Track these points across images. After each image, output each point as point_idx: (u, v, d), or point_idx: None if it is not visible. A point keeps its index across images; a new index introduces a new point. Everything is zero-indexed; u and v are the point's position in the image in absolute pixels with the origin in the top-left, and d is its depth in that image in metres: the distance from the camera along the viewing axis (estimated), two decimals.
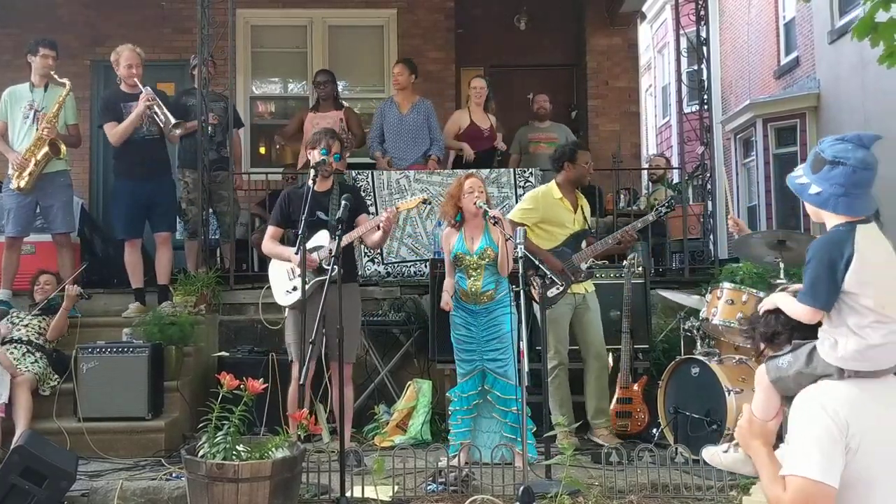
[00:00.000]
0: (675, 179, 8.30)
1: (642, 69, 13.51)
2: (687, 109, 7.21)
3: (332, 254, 4.06)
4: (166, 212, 5.98)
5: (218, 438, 3.42)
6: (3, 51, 8.22)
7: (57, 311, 5.23)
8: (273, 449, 3.48)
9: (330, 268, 3.98)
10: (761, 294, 4.32)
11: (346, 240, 4.20)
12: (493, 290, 4.50)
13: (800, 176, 2.20)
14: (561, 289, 4.75)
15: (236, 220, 6.80)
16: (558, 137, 7.28)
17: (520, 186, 6.29)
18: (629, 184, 8.15)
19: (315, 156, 4.54)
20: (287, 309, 4.61)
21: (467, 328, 4.55)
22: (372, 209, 5.89)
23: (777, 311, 2.38)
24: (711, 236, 6.77)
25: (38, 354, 5.09)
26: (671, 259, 7.48)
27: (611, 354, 5.17)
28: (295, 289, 4.50)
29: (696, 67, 7.12)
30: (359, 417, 5.42)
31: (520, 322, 4.12)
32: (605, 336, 5.05)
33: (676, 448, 4.34)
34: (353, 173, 6.37)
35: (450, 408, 4.68)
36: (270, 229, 4.69)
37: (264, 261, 4.81)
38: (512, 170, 6.56)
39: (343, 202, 4.20)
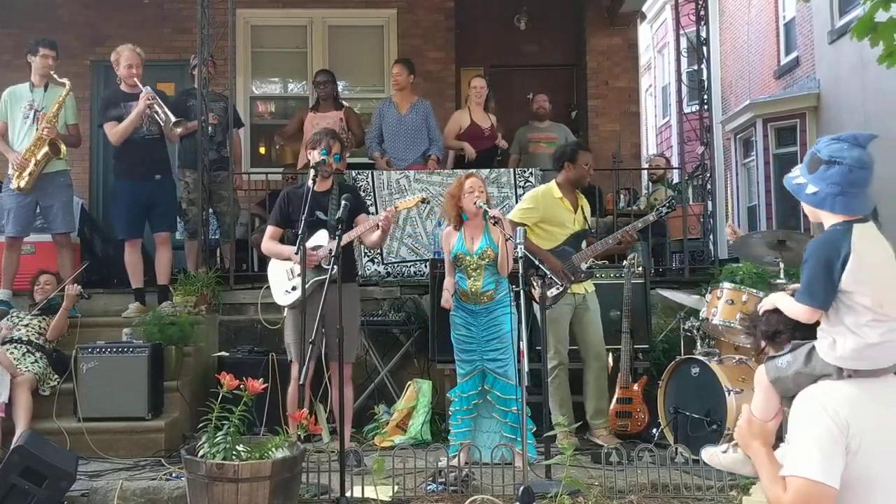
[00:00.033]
0: (675, 179, 8.30)
1: (642, 69, 13.51)
2: (687, 109, 7.21)
3: (332, 253, 4.06)
4: (166, 212, 5.98)
5: (218, 438, 3.42)
6: (3, 51, 8.22)
7: (57, 311, 5.23)
8: (273, 449, 3.48)
9: (330, 268, 3.98)
10: (761, 294, 4.32)
11: (345, 239, 4.20)
12: (493, 291, 4.50)
13: (797, 176, 2.21)
14: (561, 289, 4.75)
15: (236, 220, 6.80)
16: (558, 137, 7.28)
17: (520, 186, 6.29)
18: (629, 184, 8.15)
19: (315, 156, 4.54)
20: (286, 309, 4.61)
21: (467, 328, 4.55)
22: (372, 209, 5.89)
23: (778, 311, 2.38)
24: (711, 236, 6.77)
25: (38, 354, 5.09)
26: (671, 259, 7.48)
27: (611, 354, 5.17)
28: (294, 288, 4.50)
29: (696, 67, 7.12)
30: (359, 417, 5.42)
31: (520, 322, 4.12)
32: (605, 336, 5.05)
33: (676, 448, 4.34)
34: (353, 173, 6.38)
35: (450, 408, 4.68)
36: (270, 229, 4.70)
37: (264, 261, 4.82)
38: (512, 170, 6.57)
39: (343, 202, 4.21)
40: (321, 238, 4.48)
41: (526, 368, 4.12)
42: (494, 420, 4.57)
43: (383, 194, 6.27)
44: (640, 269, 5.42)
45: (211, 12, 6.42)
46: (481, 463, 4.26)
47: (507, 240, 4.35)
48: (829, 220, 2.16)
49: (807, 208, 2.22)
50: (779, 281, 4.41)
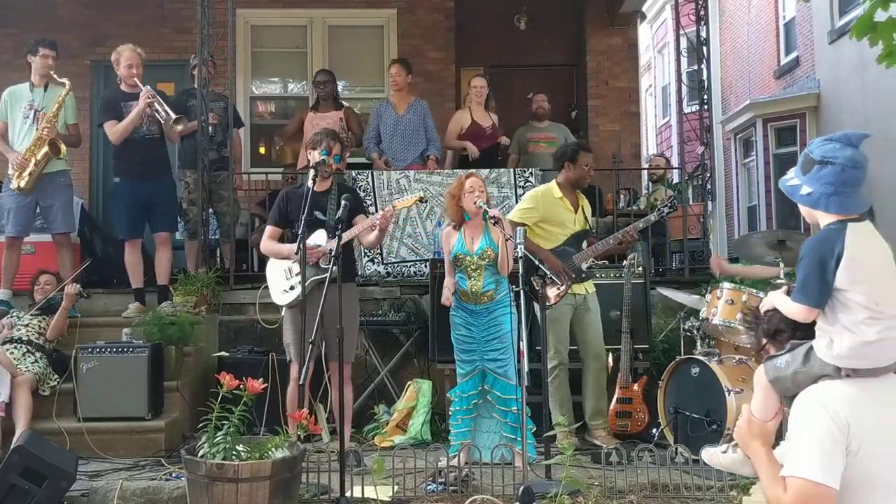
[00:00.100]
0: (675, 179, 8.30)
1: (642, 69, 13.51)
2: (687, 109, 7.21)
3: (332, 253, 4.06)
4: (166, 212, 5.98)
5: (218, 438, 3.42)
6: (3, 51, 8.23)
7: (57, 311, 5.23)
8: (273, 449, 3.48)
9: (329, 267, 3.98)
10: (761, 294, 4.32)
11: (344, 238, 4.20)
12: (494, 291, 4.51)
13: (791, 178, 2.22)
14: (562, 289, 4.75)
15: (236, 220, 6.81)
16: (557, 137, 7.29)
17: (520, 186, 6.29)
18: (629, 184, 8.15)
19: (315, 156, 4.54)
20: (284, 308, 4.61)
21: (467, 328, 4.55)
22: (372, 209, 5.90)
23: (777, 310, 2.38)
24: (711, 236, 6.77)
25: (38, 354, 5.09)
26: (671, 259, 7.48)
27: (610, 354, 5.17)
28: (292, 288, 4.51)
29: (696, 67, 7.12)
30: (359, 417, 5.43)
31: (520, 322, 4.12)
32: (605, 336, 5.05)
33: (676, 448, 4.34)
34: (353, 173, 6.38)
35: (450, 408, 4.68)
36: (269, 229, 4.70)
37: (264, 261, 4.82)
38: (512, 170, 6.57)
39: (343, 202, 4.21)
40: (320, 238, 4.48)
41: (526, 368, 4.12)
42: (494, 420, 4.57)
43: (383, 194, 6.27)
44: (640, 269, 5.42)
45: (211, 12, 6.42)
46: (481, 463, 4.26)
47: (507, 240, 4.35)
48: (824, 220, 2.17)
49: (803, 209, 2.23)
50: (779, 281, 4.41)
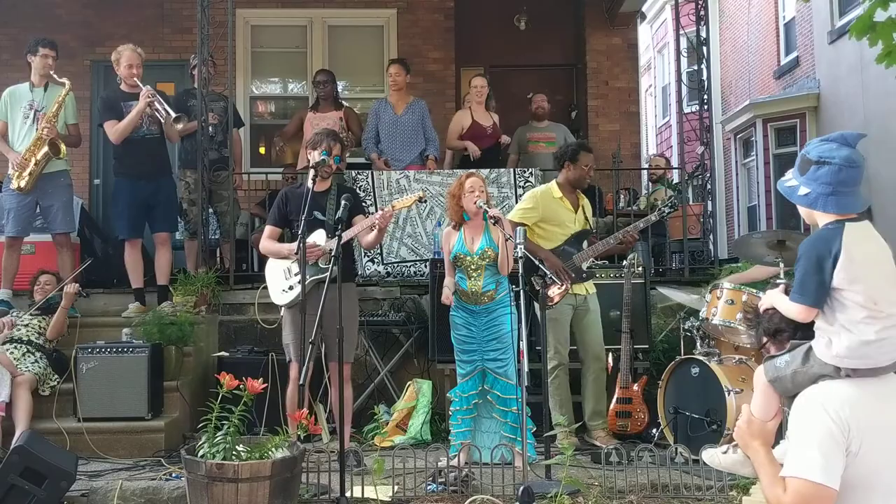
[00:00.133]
0: (675, 179, 8.30)
1: (642, 69, 13.51)
2: (687, 109, 7.21)
3: (332, 253, 4.06)
4: (166, 212, 5.97)
5: (218, 438, 3.42)
6: (3, 51, 8.23)
7: (56, 311, 5.23)
8: (273, 449, 3.47)
9: (329, 267, 3.98)
10: (761, 294, 4.31)
11: (343, 238, 4.20)
12: (494, 291, 4.50)
13: (789, 179, 2.24)
14: (562, 289, 4.75)
15: (236, 220, 6.81)
16: (557, 137, 7.29)
17: (520, 186, 6.29)
18: (629, 184, 8.15)
19: (315, 156, 4.54)
20: (283, 308, 4.61)
21: (467, 328, 4.55)
22: (372, 209, 5.90)
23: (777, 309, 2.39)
24: (711, 236, 6.78)
25: (38, 354, 5.09)
26: (671, 259, 7.48)
27: (610, 354, 5.17)
28: (291, 288, 4.50)
29: (696, 67, 7.12)
30: (359, 417, 5.43)
31: (520, 322, 4.12)
32: (605, 336, 5.05)
33: (676, 448, 4.34)
34: (353, 173, 6.38)
35: (450, 408, 4.68)
36: (268, 229, 4.70)
37: (264, 261, 4.82)
38: (512, 170, 6.57)
39: (343, 202, 4.21)
40: (319, 238, 4.47)
41: (526, 368, 4.12)
42: (494, 420, 4.57)
43: (383, 194, 6.27)
44: (640, 269, 5.42)
45: (211, 12, 6.42)
46: (481, 463, 4.26)
47: (507, 240, 4.35)
48: (822, 220, 2.18)
49: (801, 210, 2.24)
50: (779, 281, 4.41)
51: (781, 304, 2.30)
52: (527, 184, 6.26)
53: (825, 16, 10.48)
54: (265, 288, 4.73)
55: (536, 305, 4.62)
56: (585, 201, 5.16)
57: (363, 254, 6.07)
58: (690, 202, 7.49)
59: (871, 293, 2.07)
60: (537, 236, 4.87)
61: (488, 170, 6.36)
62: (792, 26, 12.53)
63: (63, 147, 5.72)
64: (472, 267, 4.50)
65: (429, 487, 4.06)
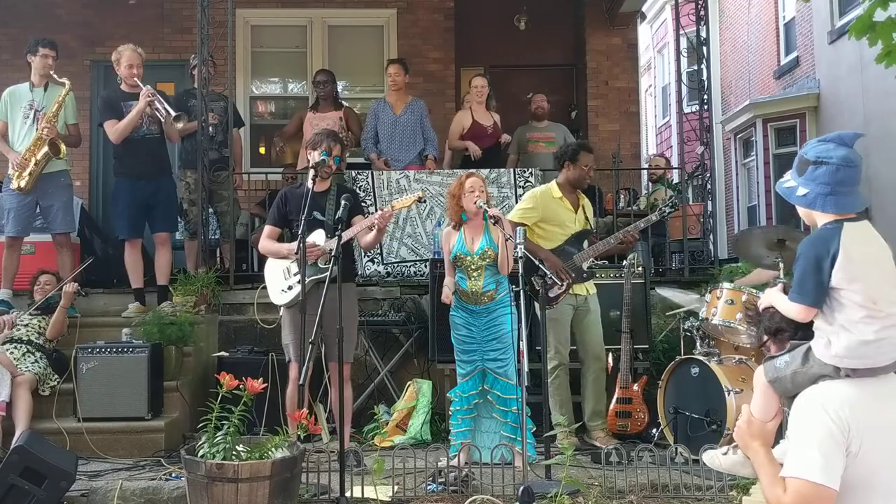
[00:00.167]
0: (675, 179, 8.30)
1: (642, 69, 13.51)
2: (687, 109, 7.21)
3: (332, 253, 4.06)
4: (166, 212, 5.97)
5: (217, 438, 3.42)
6: (3, 51, 8.23)
7: (56, 310, 5.23)
8: (273, 449, 3.47)
9: (329, 267, 3.98)
10: (760, 294, 4.31)
11: (343, 238, 4.19)
12: (494, 291, 4.50)
13: (787, 181, 2.24)
14: (562, 289, 4.75)
15: (236, 220, 6.81)
16: (556, 137, 7.28)
17: (520, 186, 6.29)
18: (629, 184, 8.15)
19: (315, 157, 4.54)
20: (283, 308, 4.61)
21: (467, 328, 4.55)
22: (372, 209, 5.90)
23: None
24: (711, 236, 6.78)
25: (38, 354, 5.09)
26: (671, 259, 7.48)
27: (610, 354, 5.16)
28: (290, 288, 4.50)
29: (696, 67, 7.12)
30: (359, 417, 5.43)
31: (520, 322, 4.12)
32: (605, 336, 5.05)
33: (676, 448, 4.34)
34: (353, 173, 6.38)
35: (450, 408, 4.68)
36: (267, 229, 4.69)
37: (264, 261, 4.82)
38: (512, 170, 6.57)
39: (343, 202, 4.21)
40: (318, 238, 4.47)
41: (526, 368, 4.12)
42: (494, 420, 4.57)
43: (383, 194, 6.27)
44: (640, 269, 5.42)
45: (211, 12, 6.42)
46: (481, 463, 4.26)
47: (507, 240, 4.35)
48: (821, 220, 2.18)
49: (800, 211, 2.24)
50: (779, 280, 4.41)
51: (780, 304, 2.30)
52: (527, 184, 6.26)
53: (825, 16, 10.48)
54: (265, 288, 4.73)
55: (536, 305, 4.62)
56: (586, 201, 5.15)
57: (363, 254, 6.07)
58: (690, 202, 7.49)
59: (869, 293, 2.07)
60: (537, 236, 4.87)
61: (488, 170, 6.36)
62: (792, 26, 12.53)
63: (63, 147, 5.72)
64: (473, 267, 4.50)
65: (429, 487, 4.06)
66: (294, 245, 4.38)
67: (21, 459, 3.75)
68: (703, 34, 6.80)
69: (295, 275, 4.46)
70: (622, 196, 7.68)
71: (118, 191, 5.95)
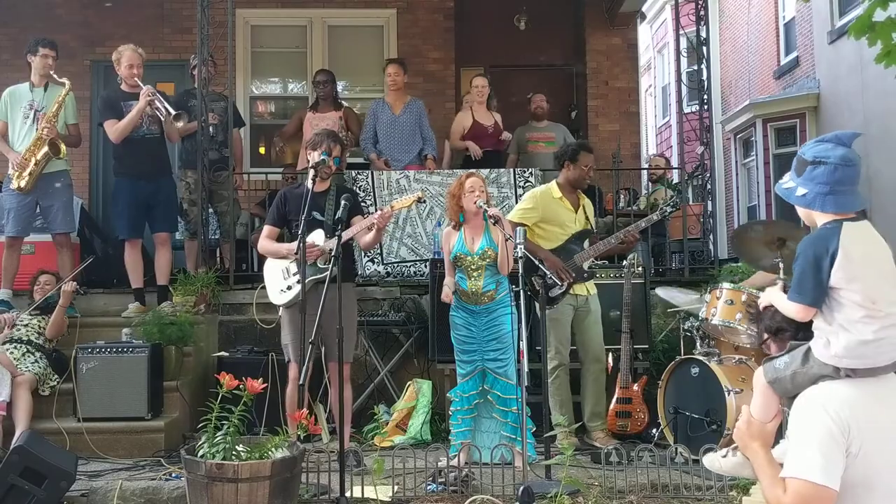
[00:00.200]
0: (675, 179, 8.30)
1: (642, 69, 13.51)
2: (687, 109, 7.21)
3: (332, 253, 4.06)
4: (166, 212, 5.97)
5: (217, 438, 3.42)
6: (3, 51, 8.23)
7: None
8: (272, 449, 3.48)
9: (329, 267, 3.98)
10: (760, 294, 4.31)
11: (343, 238, 4.19)
12: (494, 291, 4.51)
13: (786, 181, 2.24)
14: (563, 289, 4.75)
15: (236, 220, 6.81)
16: (556, 137, 7.29)
17: (520, 186, 6.29)
18: (629, 184, 8.15)
19: (315, 157, 4.54)
20: (282, 308, 4.61)
21: (468, 328, 4.55)
22: (372, 209, 5.90)
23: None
24: (711, 236, 6.78)
25: (37, 354, 5.09)
26: (671, 259, 7.48)
27: (610, 354, 5.16)
28: (289, 288, 4.50)
29: (695, 67, 7.12)
30: (359, 417, 5.43)
31: (520, 322, 4.12)
32: (605, 336, 5.05)
33: (676, 448, 4.35)
34: (353, 173, 6.38)
35: (450, 408, 4.68)
36: (266, 229, 4.70)
37: (264, 261, 4.82)
38: (512, 170, 6.57)
39: (343, 202, 4.21)
40: (317, 238, 4.47)
41: (526, 368, 4.12)
42: (494, 420, 4.57)
43: (383, 194, 6.27)
44: (640, 269, 5.42)
45: (211, 12, 6.42)
46: (481, 463, 4.26)
47: (507, 240, 4.35)
48: (820, 219, 2.18)
49: (800, 211, 2.24)
50: (779, 279, 4.41)
51: (780, 303, 2.30)
52: (527, 184, 6.26)
53: (825, 16, 10.48)
54: (264, 288, 4.73)
55: (537, 305, 4.62)
56: (587, 201, 5.15)
57: (363, 254, 6.07)
58: (690, 202, 7.49)
59: (869, 292, 2.07)
60: (537, 236, 4.87)
61: (488, 170, 6.36)
62: (792, 26, 12.53)
63: (63, 147, 5.73)
64: (473, 267, 4.50)
65: (429, 487, 4.06)
66: (293, 245, 4.38)
67: (21, 459, 3.75)
68: (703, 34, 6.80)
69: (294, 275, 4.46)
70: (622, 196, 7.68)
71: (118, 191, 5.95)
